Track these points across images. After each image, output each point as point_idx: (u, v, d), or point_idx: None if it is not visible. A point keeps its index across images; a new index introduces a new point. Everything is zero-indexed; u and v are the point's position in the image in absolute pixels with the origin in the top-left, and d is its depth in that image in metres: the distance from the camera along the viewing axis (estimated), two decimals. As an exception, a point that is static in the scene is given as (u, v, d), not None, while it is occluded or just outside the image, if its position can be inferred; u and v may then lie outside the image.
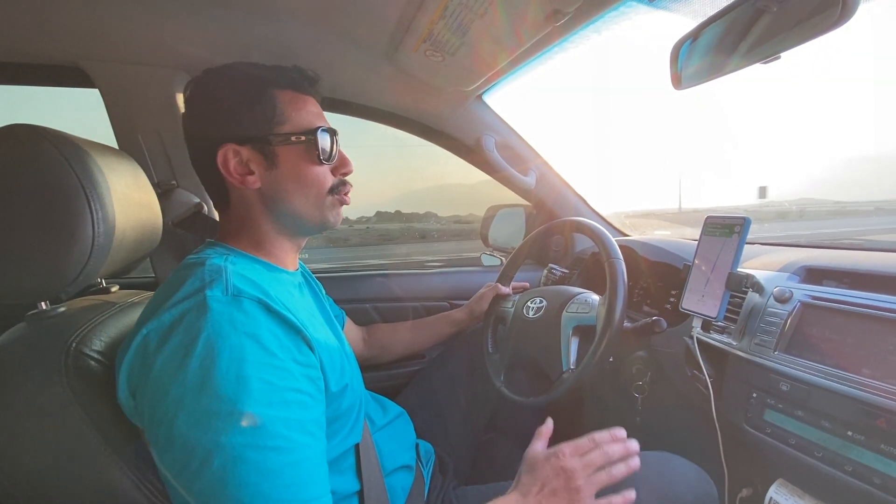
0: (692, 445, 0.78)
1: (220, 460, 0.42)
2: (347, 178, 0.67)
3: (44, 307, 0.56)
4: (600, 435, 0.63)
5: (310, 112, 0.62)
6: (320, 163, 0.61)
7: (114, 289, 0.72)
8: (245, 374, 0.44)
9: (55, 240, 0.51)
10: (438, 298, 1.31)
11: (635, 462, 0.62)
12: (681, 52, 0.72)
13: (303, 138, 0.60)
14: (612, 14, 0.75)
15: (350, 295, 1.23)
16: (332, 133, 0.63)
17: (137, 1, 0.77)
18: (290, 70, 0.62)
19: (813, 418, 0.60)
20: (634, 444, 0.63)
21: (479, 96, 1.17)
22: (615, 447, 0.62)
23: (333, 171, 0.64)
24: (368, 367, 0.99)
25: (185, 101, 0.61)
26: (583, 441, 0.62)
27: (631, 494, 0.59)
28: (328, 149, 0.62)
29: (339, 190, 0.65)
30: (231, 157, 0.58)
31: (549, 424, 0.67)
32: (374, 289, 1.28)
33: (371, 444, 0.67)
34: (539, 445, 0.64)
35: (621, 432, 0.64)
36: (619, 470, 0.60)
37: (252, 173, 0.59)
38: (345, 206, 0.67)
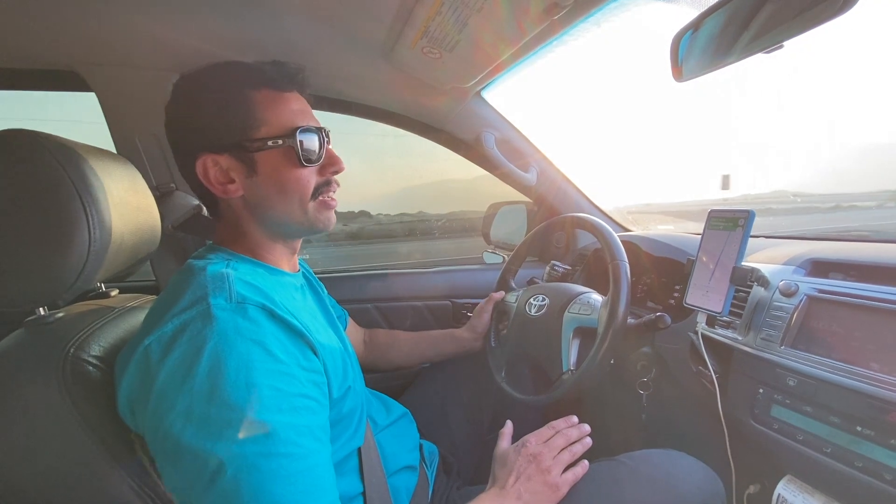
0: (698, 442, 0.77)
1: (233, 470, 0.41)
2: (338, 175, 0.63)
3: (42, 313, 0.55)
4: (556, 422, 0.73)
5: (289, 111, 0.58)
6: (303, 165, 0.58)
7: (113, 293, 0.72)
8: (254, 382, 0.44)
9: (51, 245, 0.50)
10: (440, 297, 1.30)
11: (588, 441, 0.71)
12: (681, 44, 0.71)
13: (280, 142, 0.56)
14: (612, 6, 0.74)
15: (351, 295, 1.22)
16: (318, 131, 0.59)
17: (131, 3, 0.76)
18: (267, 66, 0.58)
19: (821, 413, 0.59)
20: (586, 427, 0.73)
21: (478, 93, 1.16)
22: (571, 430, 0.71)
23: (321, 171, 0.61)
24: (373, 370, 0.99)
25: (165, 108, 0.58)
26: (543, 430, 0.71)
27: (585, 464, 0.68)
28: (313, 149, 0.58)
29: (322, 191, 0.61)
30: (210, 167, 0.56)
31: (509, 426, 0.76)
32: (376, 288, 1.28)
33: (373, 446, 0.67)
34: (504, 443, 0.72)
35: (574, 418, 0.74)
36: (577, 448, 0.69)
37: (233, 181, 0.57)
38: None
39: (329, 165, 0.61)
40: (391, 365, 1.02)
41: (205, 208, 1.02)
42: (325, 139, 0.60)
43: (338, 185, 0.64)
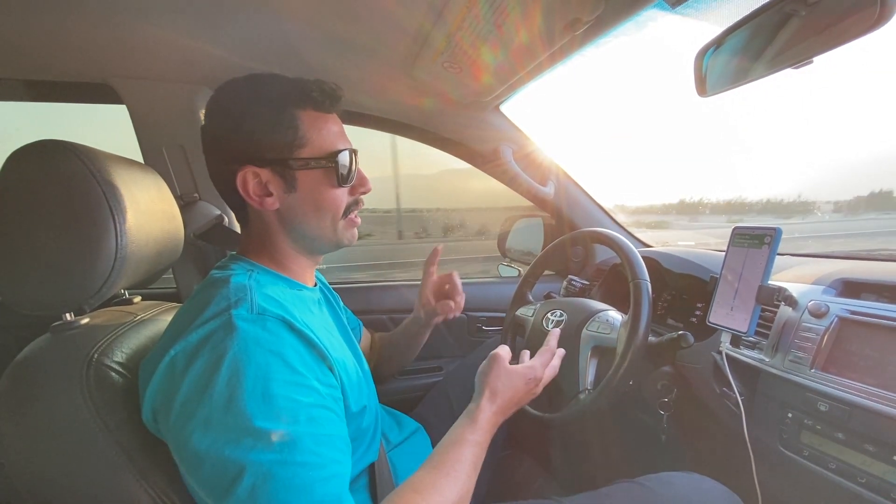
0: (722, 466, 0.74)
1: (250, 478, 0.41)
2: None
3: (68, 318, 0.57)
4: (553, 344, 0.73)
5: (331, 132, 0.60)
6: (339, 185, 0.60)
7: (136, 300, 0.73)
8: (271, 392, 0.44)
9: (80, 252, 0.52)
10: None
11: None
12: (705, 60, 0.70)
13: (323, 162, 0.59)
14: (633, 21, 0.74)
15: (366, 306, 1.23)
16: (353, 153, 0.61)
17: (163, 18, 0.79)
18: (312, 87, 0.59)
19: (855, 441, 0.56)
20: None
21: (497, 107, 1.17)
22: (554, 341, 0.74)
23: (352, 191, 0.63)
24: (382, 379, 0.97)
25: (205, 116, 0.59)
26: (545, 355, 0.71)
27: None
28: (347, 171, 0.60)
29: (351, 210, 0.63)
30: (250, 179, 0.57)
31: (506, 349, 0.70)
32: (391, 300, 1.28)
33: (386, 463, 0.66)
34: (507, 359, 0.68)
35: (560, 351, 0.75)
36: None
37: (271, 195, 0.58)
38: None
39: (359, 186, 0.64)
40: (395, 369, 0.99)
41: (227, 218, 1.04)
42: (357, 161, 0.62)
43: (363, 203, 0.66)
